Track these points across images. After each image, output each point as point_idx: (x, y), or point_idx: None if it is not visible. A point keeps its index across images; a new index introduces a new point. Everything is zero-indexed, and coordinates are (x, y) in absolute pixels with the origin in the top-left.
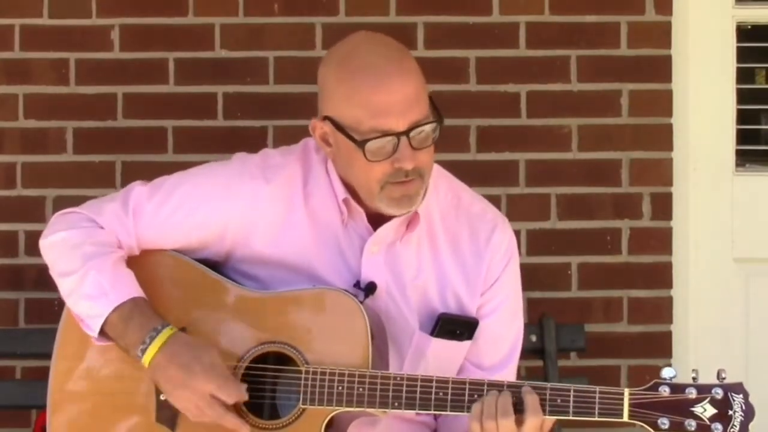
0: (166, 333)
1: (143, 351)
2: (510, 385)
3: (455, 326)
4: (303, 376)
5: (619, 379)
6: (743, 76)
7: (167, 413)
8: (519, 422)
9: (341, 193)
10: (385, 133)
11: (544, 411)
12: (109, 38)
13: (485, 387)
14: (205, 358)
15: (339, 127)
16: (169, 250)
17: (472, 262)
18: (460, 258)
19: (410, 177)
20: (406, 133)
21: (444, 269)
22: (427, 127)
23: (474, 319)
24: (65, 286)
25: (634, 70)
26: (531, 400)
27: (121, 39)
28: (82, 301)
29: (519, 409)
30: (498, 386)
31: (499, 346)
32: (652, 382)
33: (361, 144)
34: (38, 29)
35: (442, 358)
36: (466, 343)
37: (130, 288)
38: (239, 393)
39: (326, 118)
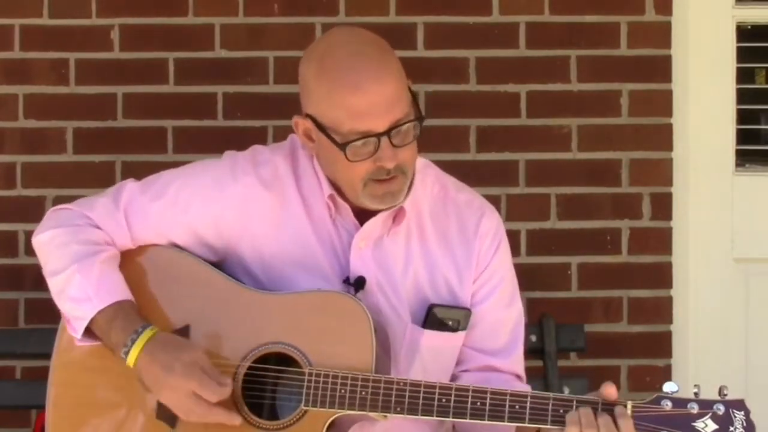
0: (146, 334)
1: (126, 353)
2: (512, 394)
3: (446, 316)
4: (306, 377)
5: (620, 379)
6: (743, 76)
7: (167, 411)
8: None
9: (327, 189)
10: (366, 135)
11: (545, 421)
12: (109, 38)
13: (488, 394)
14: (185, 357)
15: (320, 126)
16: (169, 245)
17: (461, 252)
18: (449, 248)
19: (392, 174)
20: (387, 133)
21: (434, 260)
22: (408, 125)
23: (466, 309)
24: (54, 286)
25: (634, 70)
26: (625, 423)
27: (121, 39)
28: (67, 302)
29: None
30: (500, 394)
31: (500, 332)
32: (654, 396)
33: (342, 146)
34: (38, 29)
35: (436, 350)
36: (460, 334)
37: (114, 292)
38: (221, 390)
39: (308, 116)
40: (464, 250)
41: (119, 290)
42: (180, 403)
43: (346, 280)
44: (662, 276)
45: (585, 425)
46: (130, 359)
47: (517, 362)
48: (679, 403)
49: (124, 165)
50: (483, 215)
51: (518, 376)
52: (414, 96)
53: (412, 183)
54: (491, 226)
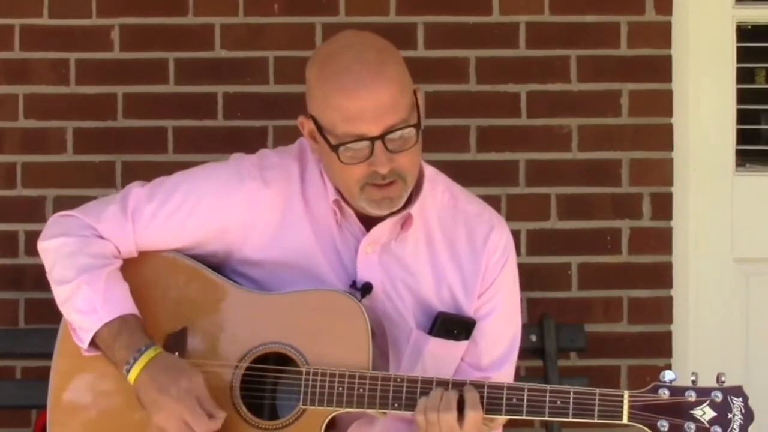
0: (149, 354)
1: (128, 371)
2: (510, 387)
3: (453, 326)
4: (303, 376)
5: (619, 379)
6: (743, 76)
7: None
8: (461, 418)
9: (332, 193)
10: (359, 138)
11: (543, 413)
12: (109, 38)
13: (485, 388)
14: (183, 382)
15: (319, 127)
16: (168, 250)
17: (469, 264)
18: (457, 259)
19: (388, 180)
20: (381, 137)
21: (441, 269)
22: (405, 131)
23: (471, 320)
24: (59, 294)
25: (634, 70)
26: (471, 396)
27: (121, 39)
28: (73, 313)
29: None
30: (498, 388)
31: (496, 347)
32: (651, 385)
33: (334, 148)
34: (38, 29)
35: (439, 358)
36: (463, 344)
37: (120, 305)
38: (210, 423)
39: (311, 116)
40: (471, 261)
41: (125, 304)
42: (171, 426)
43: (353, 285)
44: (662, 276)
45: (429, 408)
46: (131, 377)
47: (506, 376)
48: (677, 391)
49: (124, 165)
50: (492, 228)
51: None
52: (418, 103)
53: (419, 189)
54: (501, 240)
